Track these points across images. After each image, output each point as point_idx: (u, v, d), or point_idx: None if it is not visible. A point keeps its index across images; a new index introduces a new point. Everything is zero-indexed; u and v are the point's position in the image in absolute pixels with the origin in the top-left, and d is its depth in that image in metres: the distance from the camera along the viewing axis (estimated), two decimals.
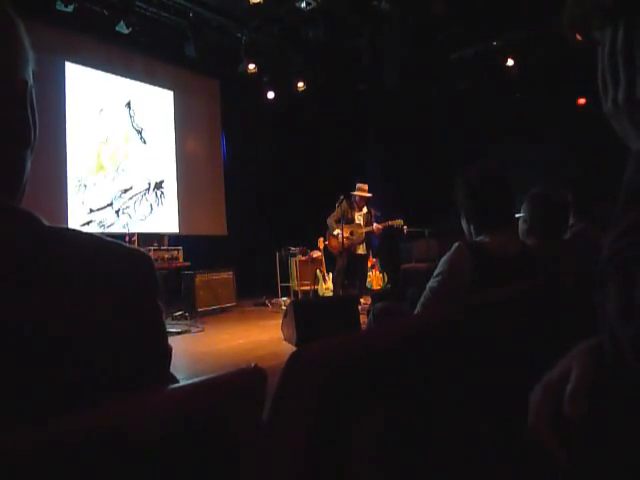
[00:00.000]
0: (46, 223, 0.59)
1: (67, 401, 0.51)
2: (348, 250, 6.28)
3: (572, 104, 7.81)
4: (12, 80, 0.60)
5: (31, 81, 0.64)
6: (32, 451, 0.37)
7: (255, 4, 6.18)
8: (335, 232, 6.27)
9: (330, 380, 0.58)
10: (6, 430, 0.36)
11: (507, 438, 0.85)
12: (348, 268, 6.39)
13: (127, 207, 7.30)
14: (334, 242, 6.38)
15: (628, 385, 0.49)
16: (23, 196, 0.65)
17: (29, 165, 0.65)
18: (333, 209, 6.41)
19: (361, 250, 6.46)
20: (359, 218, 6.40)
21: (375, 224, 6.37)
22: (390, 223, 6.40)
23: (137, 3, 6.31)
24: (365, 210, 6.46)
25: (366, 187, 6.40)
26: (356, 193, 6.33)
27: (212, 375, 0.50)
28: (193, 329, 5.62)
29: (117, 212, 7.16)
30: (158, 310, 0.66)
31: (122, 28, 6.29)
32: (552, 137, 7.80)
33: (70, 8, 5.87)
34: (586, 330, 0.58)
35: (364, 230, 6.38)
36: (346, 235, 6.23)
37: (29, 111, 0.63)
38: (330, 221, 6.37)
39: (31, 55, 0.64)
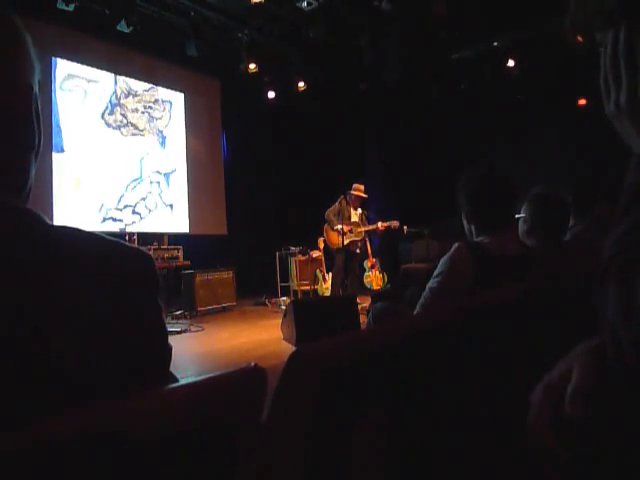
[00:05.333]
0: (48, 221, 0.59)
1: (67, 401, 0.51)
2: (347, 248, 6.31)
3: (572, 104, 7.81)
4: (18, 84, 0.61)
5: (36, 89, 0.65)
6: (32, 451, 0.37)
7: (256, 4, 6.18)
8: (337, 227, 6.29)
9: (330, 380, 0.58)
10: (6, 430, 0.36)
11: (507, 438, 0.85)
12: (346, 267, 6.40)
13: (127, 206, 7.30)
14: (335, 237, 6.40)
15: (629, 386, 0.49)
16: (28, 198, 0.65)
17: (34, 169, 0.65)
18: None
19: (358, 249, 6.49)
20: (355, 217, 6.44)
21: (380, 222, 6.41)
22: (387, 224, 6.44)
23: (138, 2, 6.30)
24: (360, 211, 6.52)
25: (362, 188, 6.45)
26: (353, 192, 6.36)
27: (212, 374, 0.50)
28: (193, 328, 5.63)
29: (117, 210, 7.16)
30: (158, 309, 0.66)
31: (123, 27, 6.29)
32: (552, 137, 7.80)
33: (71, 7, 5.87)
34: (587, 331, 0.58)
35: (364, 229, 6.41)
36: (347, 229, 6.26)
37: (34, 116, 0.64)
38: (329, 215, 6.40)
39: (37, 66, 0.65)
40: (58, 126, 6.53)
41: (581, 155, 7.25)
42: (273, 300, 7.56)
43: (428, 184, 8.39)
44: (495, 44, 7.76)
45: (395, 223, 6.44)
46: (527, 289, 1.26)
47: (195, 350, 4.59)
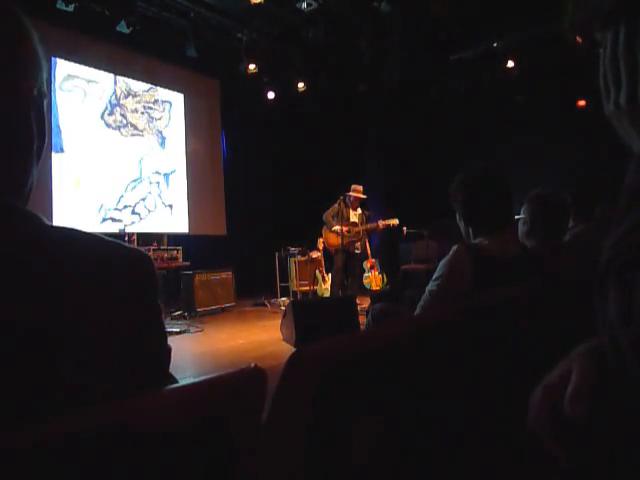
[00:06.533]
0: (47, 222, 0.59)
1: (67, 401, 0.51)
2: (346, 249, 6.32)
3: (572, 105, 7.81)
4: (16, 84, 0.60)
5: (43, 88, 0.64)
6: (32, 451, 0.37)
7: (256, 4, 6.18)
8: (334, 228, 6.31)
9: (329, 380, 0.58)
10: (6, 430, 0.36)
11: (507, 438, 0.85)
12: (345, 267, 6.41)
13: (126, 206, 7.30)
14: (332, 238, 6.42)
15: (628, 386, 0.49)
16: (28, 199, 0.65)
17: (35, 170, 0.65)
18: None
19: (357, 249, 6.51)
20: (354, 217, 6.46)
21: (380, 220, 6.41)
22: (387, 222, 6.45)
23: (138, 3, 6.30)
24: (359, 211, 6.54)
25: (361, 188, 6.48)
26: (351, 194, 6.39)
27: (212, 375, 0.50)
28: (192, 329, 5.62)
29: (116, 211, 7.16)
30: (158, 310, 0.66)
31: (123, 28, 6.29)
32: (552, 138, 7.80)
33: (71, 7, 5.87)
34: (586, 332, 0.58)
35: (363, 228, 6.43)
36: (344, 230, 6.28)
37: (33, 117, 0.63)
38: (327, 217, 6.43)
39: (45, 64, 0.64)
40: (58, 126, 6.53)
41: (581, 155, 7.25)
42: (272, 301, 7.55)
43: (428, 184, 8.39)
44: (495, 45, 7.76)
45: (394, 221, 6.47)
46: (527, 290, 1.26)
47: (194, 351, 4.59)
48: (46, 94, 0.66)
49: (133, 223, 7.17)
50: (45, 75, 0.65)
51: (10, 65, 0.60)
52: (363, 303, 6.20)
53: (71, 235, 0.61)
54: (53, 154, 6.41)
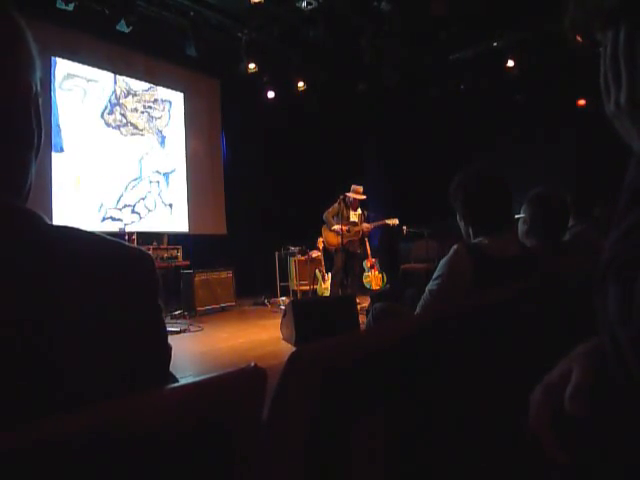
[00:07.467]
0: (48, 221, 0.59)
1: (67, 400, 0.51)
2: (345, 248, 6.33)
3: (572, 104, 7.81)
4: (15, 83, 0.61)
5: (38, 87, 0.65)
6: (32, 451, 0.37)
7: (256, 4, 6.17)
8: (334, 227, 6.32)
9: (330, 380, 0.58)
10: (6, 430, 0.36)
11: (507, 438, 0.85)
12: (345, 266, 6.42)
13: (126, 206, 7.30)
14: (332, 238, 6.43)
15: (628, 386, 0.49)
16: (28, 197, 0.65)
17: (34, 168, 0.65)
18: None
19: (358, 249, 6.52)
20: (354, 217, 6.49)
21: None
22: (386, 222, 6.47)
23: (138, 2, 6.29)
24: (359, 211, 6.56)
25: (361, 189, 6.50)
26: (350, 194, 6.40)
27: (212, 374, 0.50)
28: (192, 328, 5.62)
29: (116, 210, 7.16)
30: (158, 310, 0.66)
31: (122, 27, 6.29)
32: (552, 137, 7.81)
33: (70, 6, 5.86)
34: (586, 331, 0.58)
35: (359, 228, 6.45)
36: (344, 229, 6.29)
37: (32, 115, 0.64)
38: (327, 216, 6.45)
39: (38, 63, 0.64)
40: (57, 126, 6.53)
41: (581, 155, 7.25)
42: (272, 300, 7.55)
43: (428, 184, 8.39)
44: (495, 44, 7.76)
45: (393, 220, 6.51)
46: (527, 289, 1.26)
47: (194, 350, 4.59)
48: (41, 92, 0.66)
49: (133, 222, 7.17)
50: (40, 73, 0.65)
51: (9, 63, 0.60)
52: (363, 302, 6.20)
53: (72, 234, 0.61)
54: (53, 154, 6.40)
